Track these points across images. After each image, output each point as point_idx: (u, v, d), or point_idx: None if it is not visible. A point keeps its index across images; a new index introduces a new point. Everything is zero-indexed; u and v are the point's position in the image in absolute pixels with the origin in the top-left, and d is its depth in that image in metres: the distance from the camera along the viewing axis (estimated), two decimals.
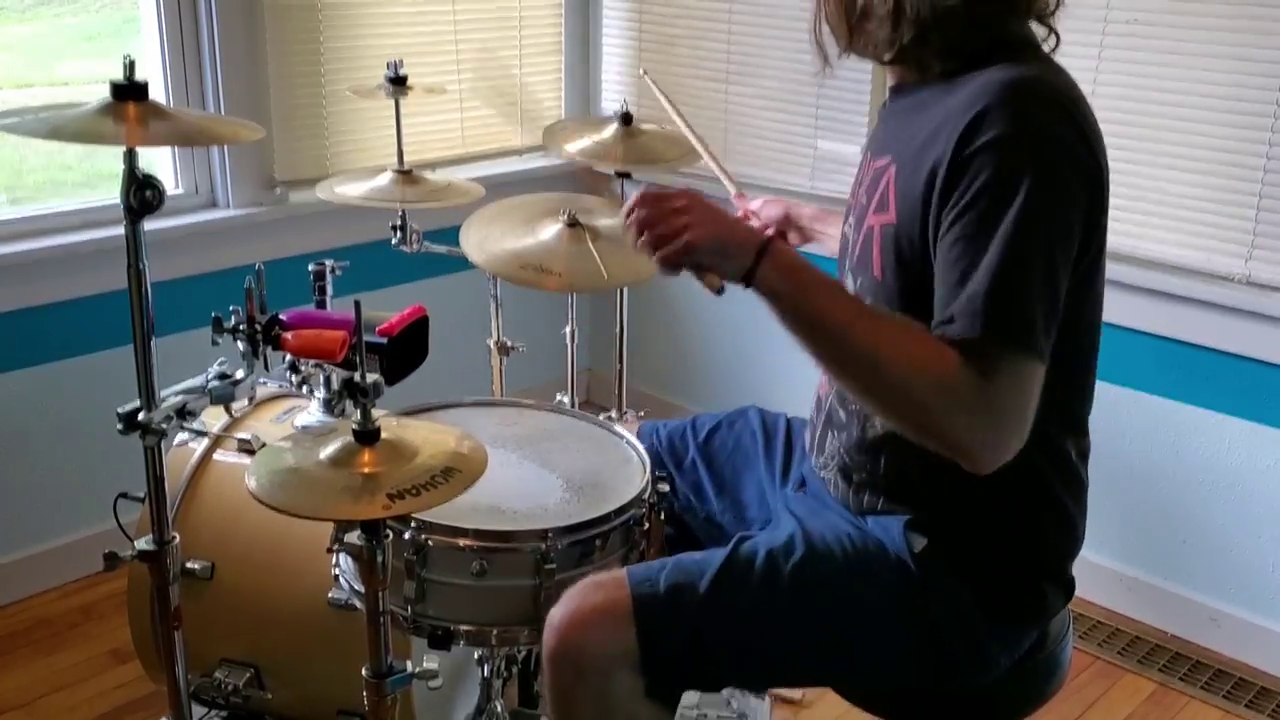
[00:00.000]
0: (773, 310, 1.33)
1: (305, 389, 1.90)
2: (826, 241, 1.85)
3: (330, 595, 1.72)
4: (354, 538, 1.31)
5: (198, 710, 1.91)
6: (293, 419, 1.94)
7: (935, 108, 1.35)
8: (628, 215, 1.36)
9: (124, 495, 1.66)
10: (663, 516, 1.64)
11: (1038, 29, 1.41)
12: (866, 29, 1.38)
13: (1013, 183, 1.23)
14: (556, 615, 1.41)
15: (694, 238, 1.32)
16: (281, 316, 1.69)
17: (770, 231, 1.77)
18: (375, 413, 1.32)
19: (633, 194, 1.37)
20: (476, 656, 1.83)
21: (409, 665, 1.39)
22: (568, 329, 2.47)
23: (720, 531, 1.72)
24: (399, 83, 2.28)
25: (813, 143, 3.15)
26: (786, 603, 1.42)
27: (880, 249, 1.38)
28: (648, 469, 1.64)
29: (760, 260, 1.31)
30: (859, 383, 1.32)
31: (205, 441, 1.93)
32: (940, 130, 1.30)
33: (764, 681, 1.52)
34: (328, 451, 1.29)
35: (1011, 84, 1.27)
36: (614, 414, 2.39)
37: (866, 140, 1.56)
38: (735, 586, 1.42)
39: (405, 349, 1.70)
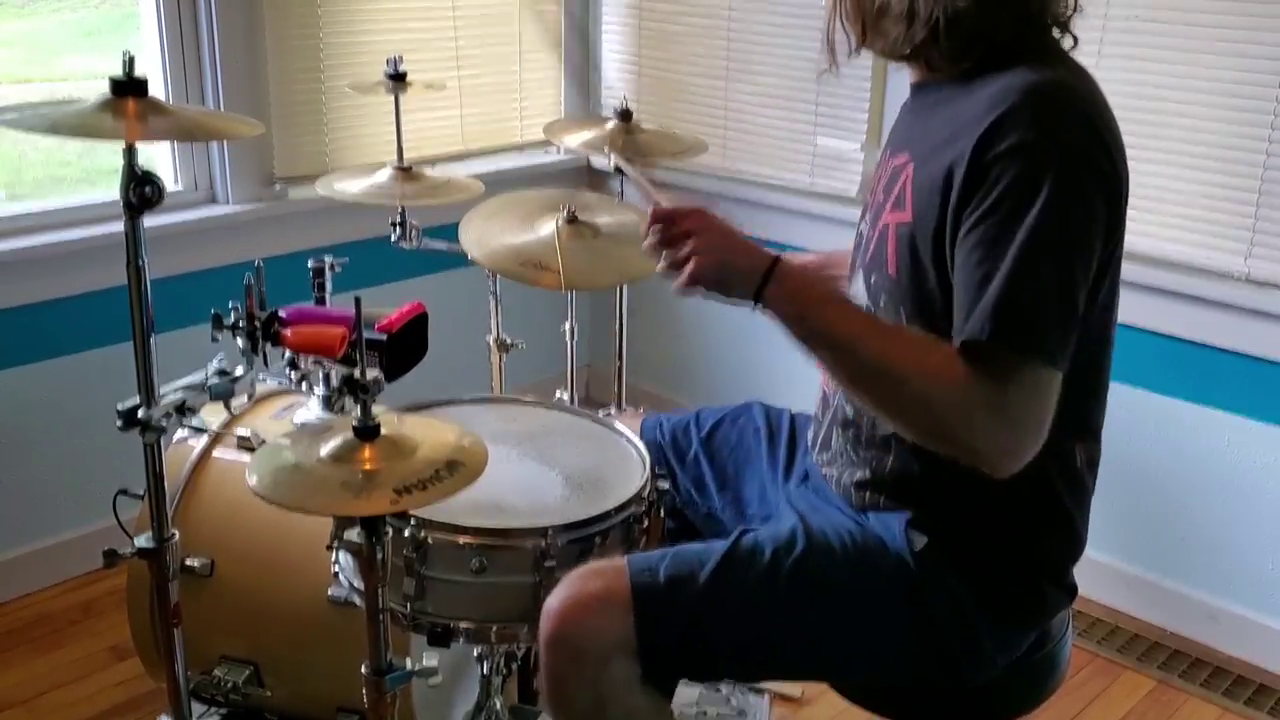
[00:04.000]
0: (783, 329, 1.34)
1: (305, 385, 1.90)
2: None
3: (330, 592, 1.72)
4: (353, 535, 1.31)
5: (197, 708, 1.91)
6: (292, 415, 1.94)
7: (955, 106, 1.35)
8: (646, 233, 1.37)
9: (123, 492, 1.66)
10: (662, 514, 1.64)
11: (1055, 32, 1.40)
12: (881, 26, 1.38)
13: (1032, 191, 1.23)
14: (554, 601, 1.41)
15: (698, 268, 1.34)
16: (281, 313, 1.69)
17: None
18: (374, 409, 1.31)
19: (649, 208, 1.36)
20: (476, 654, 1.82)
21: (408, 662, 1.39)
22: (567, 325, 2.47)
23: (721, 527, 1.73)
24: (399, 79, 2.28)
25: (812, 140, 3.15)
26: (786, 596, 1.42)
27: (895, 247, 1.39)
28: (648, 466, 1.63)
29: (766, 284, 1.33)
30: (873, 395, 1.33)
31: (205, 438, 1.92)
32: (960, 131, 1.30)
33: (760, 673, 1.52)
34: (328, 448, 1.28)
35: (1034, 89, 1.27)
36: (612, 410, 2.39)
37: (886, 138, 1.55)
38: (735, 579, 1.42)
39: (404, 345, 1.70)
